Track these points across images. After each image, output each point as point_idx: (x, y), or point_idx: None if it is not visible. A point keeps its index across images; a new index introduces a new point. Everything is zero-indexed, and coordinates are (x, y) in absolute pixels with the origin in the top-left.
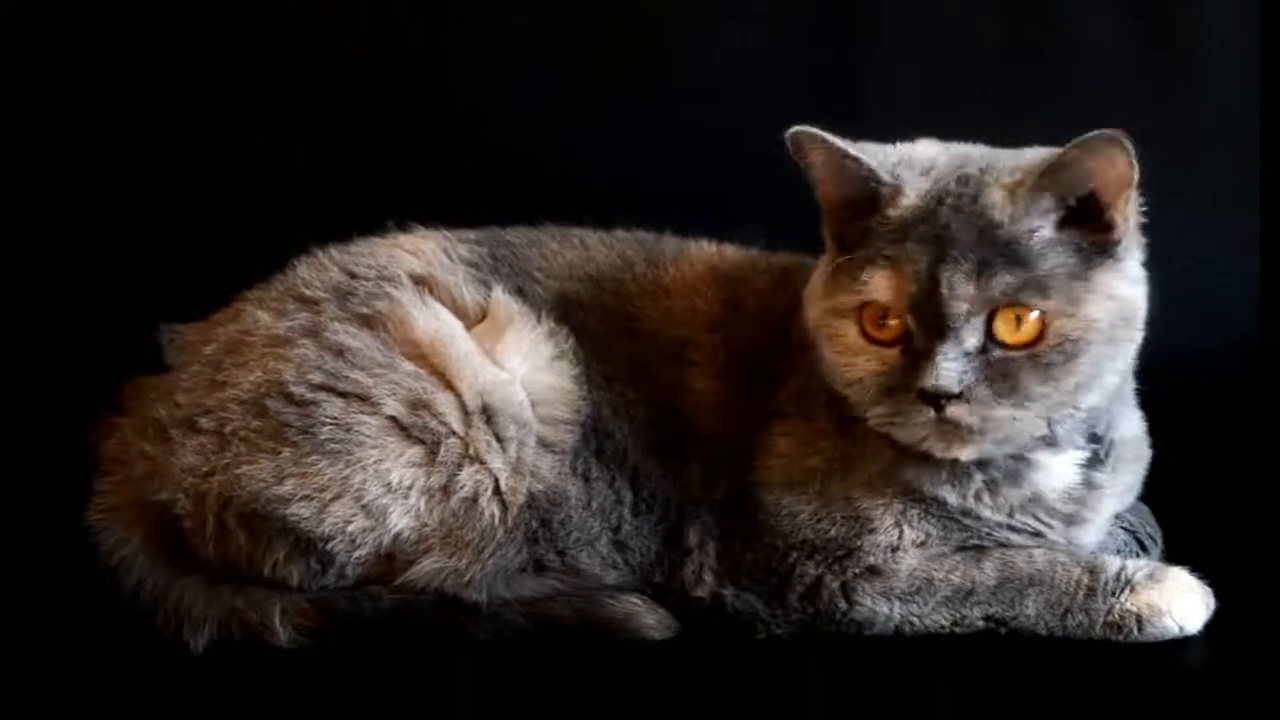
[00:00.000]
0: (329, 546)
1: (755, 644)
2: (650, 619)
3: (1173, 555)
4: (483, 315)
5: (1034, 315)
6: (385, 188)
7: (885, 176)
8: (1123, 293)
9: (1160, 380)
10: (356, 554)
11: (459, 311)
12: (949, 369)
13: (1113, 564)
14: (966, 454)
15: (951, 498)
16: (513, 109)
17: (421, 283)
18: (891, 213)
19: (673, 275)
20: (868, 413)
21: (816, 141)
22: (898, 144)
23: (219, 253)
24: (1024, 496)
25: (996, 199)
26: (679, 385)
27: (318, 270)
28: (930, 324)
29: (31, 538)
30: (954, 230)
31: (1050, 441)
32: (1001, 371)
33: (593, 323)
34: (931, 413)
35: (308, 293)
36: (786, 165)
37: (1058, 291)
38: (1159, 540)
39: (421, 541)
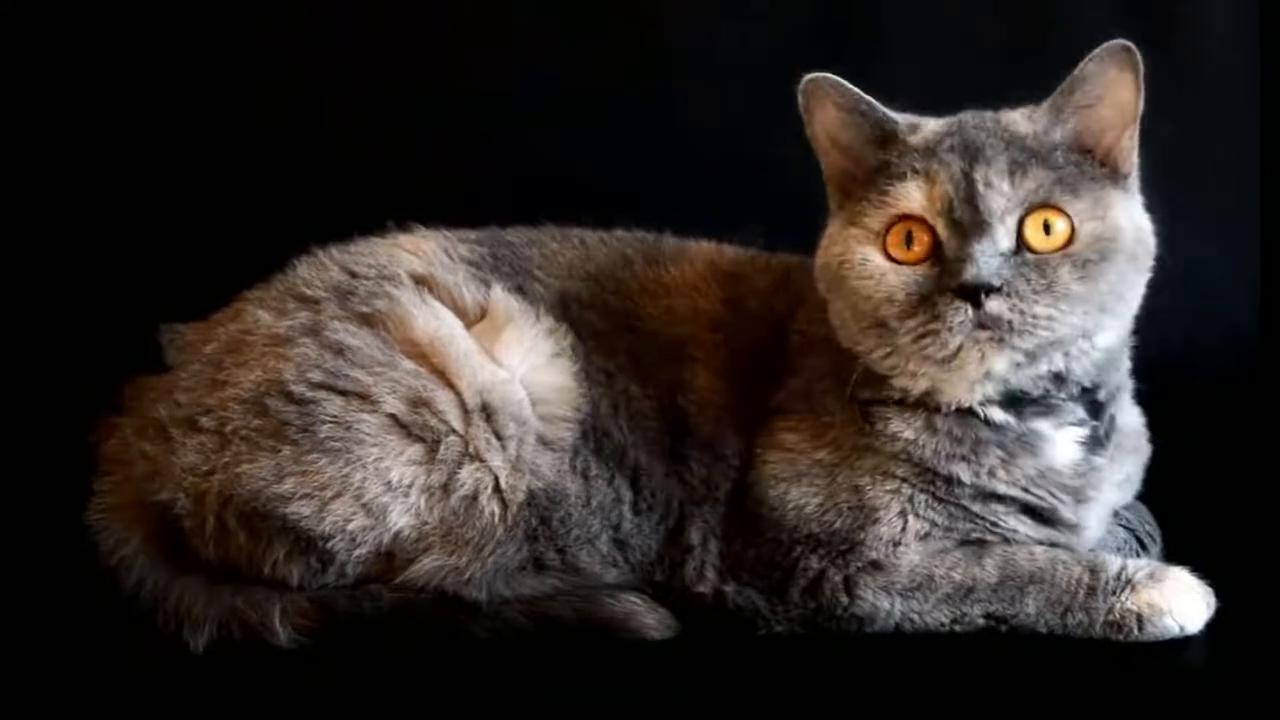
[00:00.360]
0: (329, 545)
1: (755, 644)
2: (650, 618)
3: (1173, 555)
4: (483, 314)
5: (1062, 224)
6: (385, 188)
7: (898, 118)
8: (1137, 217)
9: (1160, 380)
10: (357, 552)
11: (459, 311)
12: (988, 262)
13: (1113, 563)
14: (1001, 363)
15: (965, 474)
16: (513, 109)
17: (422, 282)
18: (913, 139)
19: (673, 274)
20: (898, 335)
21: (833, 88)
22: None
23: (219, 253)
24: (1037, 468)
25: (1017, 118)
26: (680, 383)
27: (318, 270)
28: (965, 225)
29: (31, 538)
30: (983, 138)
31: (1061, 383)
32: (1038, 270)
33: (593, 321)
34: (970, 310)
35: (308, 292)
36: (785, 165)
37: (1087, 195)
38: (1158, 539)
39: (421, 540)
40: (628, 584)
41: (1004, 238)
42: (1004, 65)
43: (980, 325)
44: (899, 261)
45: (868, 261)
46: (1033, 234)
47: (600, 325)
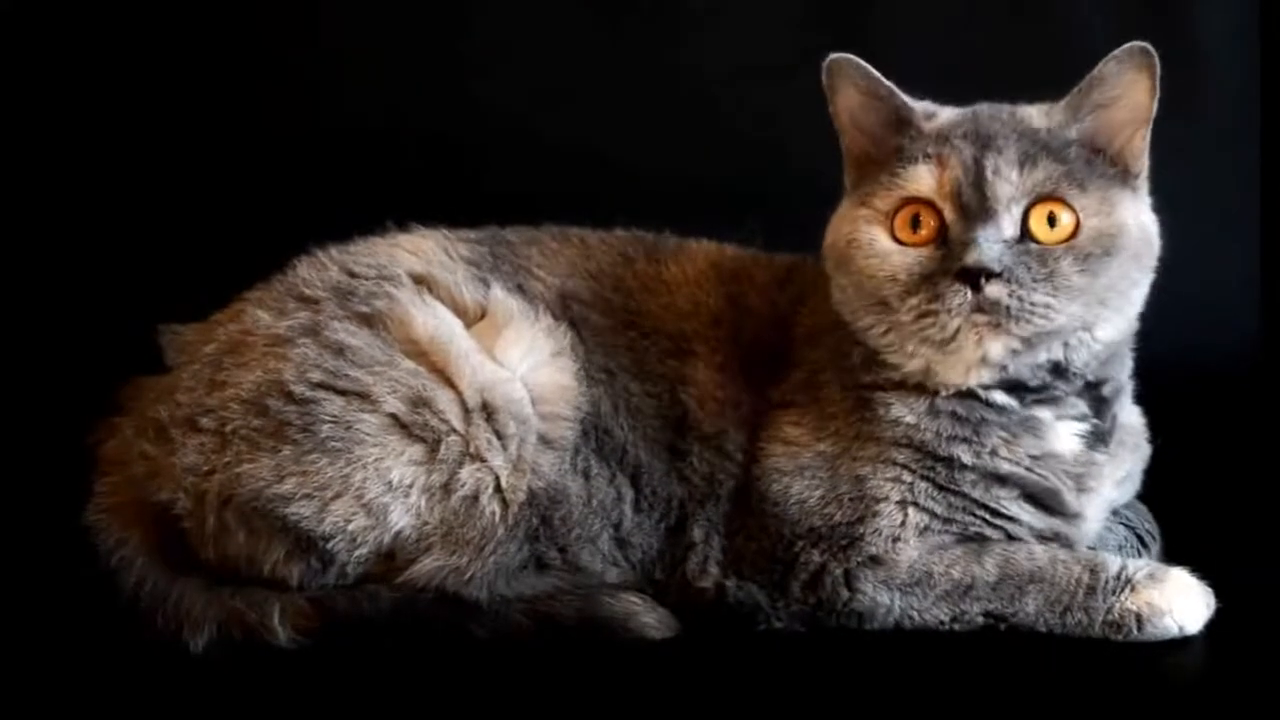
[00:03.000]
0: (329, 545)
1: (755, 644)
2: (650, 618)
3: (1173, 555)
4: (482, 314)
5: (1066, 217)
6: (385, 188)
7: (914, 104)
8: (1144, 217)
9: (1160, 380)
10: (357, 553)
11: (459, 310)
12: (990, 247)
13: (1113, 563)
14: (997, 348)
15: (967, 456)
16: (513, 109)
17: (421, 282)
18: (927, 125)
19: (674, 271)
20: (899, 314)
21: (854, 69)
22: None
23: (219, 253)
24: (1040, 449)
25: (1033, 113)
26: (682, 379)
27: (318, 270)
28: (972, 210)
29: (31, 538)
30: (995, 129)
31: (1062, 373)
32: (1039, 259)
33: (594, 318)
34: (969, 293)
35: (308, 292)
36: (785, 166)
37: (1094, 191)
38: (1157, 538)
39: (422, 540)
40: (629, 583)
41: (1009, 225)
42: (1003, 66)
43: (978, 309)
44: (905, 243)
45: (875, 241)
46: (1037, 225)
47: (601, 323)
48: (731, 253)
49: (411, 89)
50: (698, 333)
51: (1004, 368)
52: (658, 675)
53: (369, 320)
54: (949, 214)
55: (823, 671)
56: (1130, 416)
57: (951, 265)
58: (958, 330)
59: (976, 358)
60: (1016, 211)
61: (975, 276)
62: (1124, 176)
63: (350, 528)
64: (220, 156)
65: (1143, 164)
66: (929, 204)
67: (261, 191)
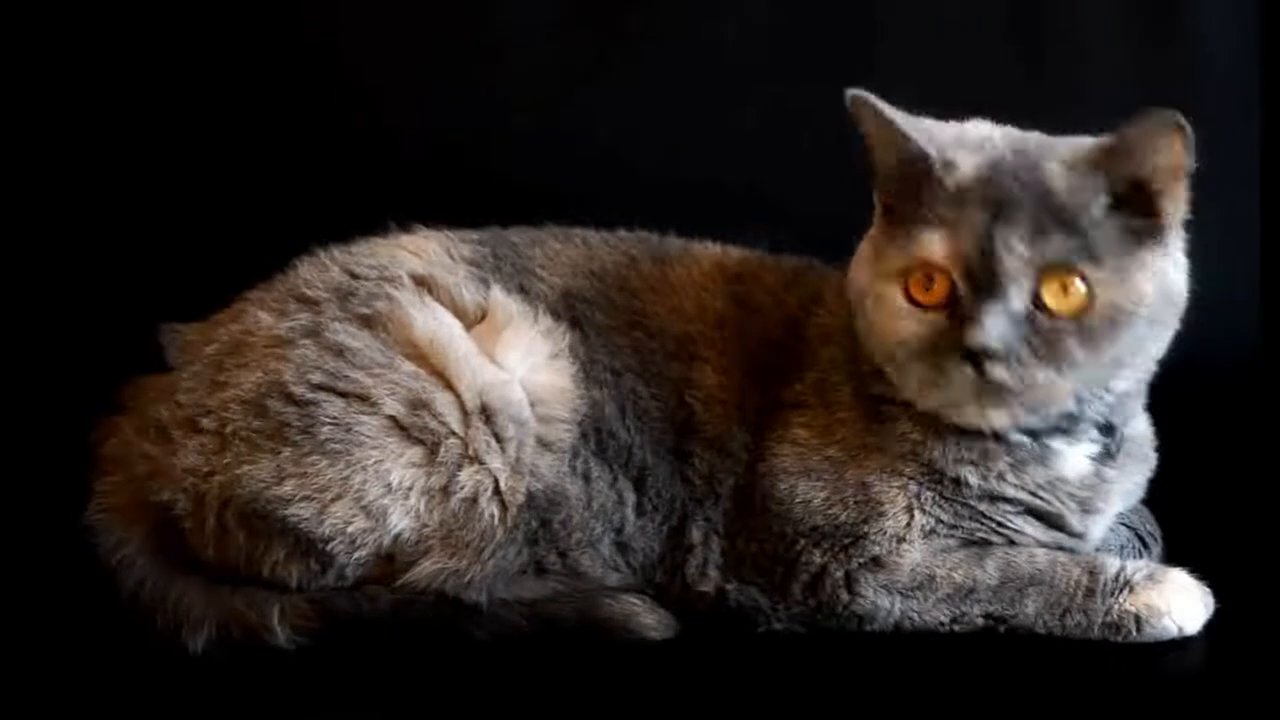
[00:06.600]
0: (329, 547)
1: (755, 644)
2: (650, 619)
3: (1173, 555)
4: (483, 315)
5: (1081, 285)
6: (386, 188)
7: (933, 152)
8: (1169, 276)
9: (1160, 381)
10: (356, 555)
11: (459, 312)
12: (994, 326)
13: (1112, 565)
14: (999, 419)
15: (973, 478)
16: (514, 109)
17: (422, 283)
18: (948, 180)
19: (679, 273)
20: (906, 374)
21: (870, 109)
22: (951, 122)
23: (219, 253)
24: (1046, 477)
25: (1055, 170)
26: (687, 381)
27: (319, 270)
28: (980, 283)
29: (31, 538)
30: (1011, 194)
31: (1075, 420)
32: (1046, 337)
33: (599, 319)
34: (972, 372)
35: (309, 293)
36: (786, 167)
37: (1109, 261)
38: (1159, 539)
39: (421, 542)
40: (629, 586)
41: (1017, 298)
42: (1003, 67)
43: (982, 384)
44: (918, 303)
45: (890, 300)
46: (1050, 296)
47: (605, 324)
48: (737, 255)
49: (413, 88)
50: (703, 335)
51: (1014, 421)
52: (658, 675)
53: (369, 322)
54: (959, 281)
55: (823, 672)
56: (1140, 427)
57: (957, 341)
58: (959, 401)
59: (981, 423)
60: (1026, 284)
61: (978, 358)
62: (1152, 229)
63: (350, 530)
64: (221, 156)
65: (1176, 216)
66: (941, 267)
67: (262, 192)
